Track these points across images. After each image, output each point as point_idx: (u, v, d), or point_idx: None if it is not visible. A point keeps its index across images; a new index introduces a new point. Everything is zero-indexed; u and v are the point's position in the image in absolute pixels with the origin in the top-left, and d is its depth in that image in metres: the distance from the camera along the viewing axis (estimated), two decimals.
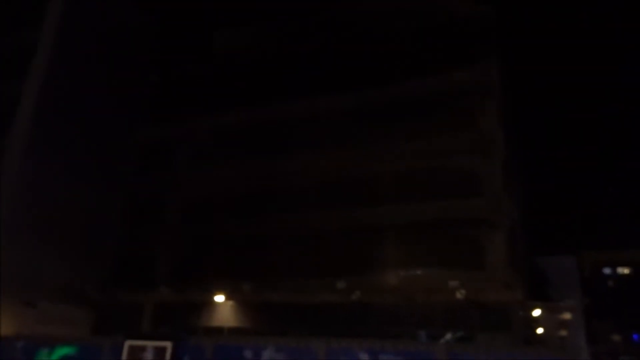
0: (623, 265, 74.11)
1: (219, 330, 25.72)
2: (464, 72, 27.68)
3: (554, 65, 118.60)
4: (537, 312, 44.36)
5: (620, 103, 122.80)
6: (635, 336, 64.48)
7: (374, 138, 28.95)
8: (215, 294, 28.44)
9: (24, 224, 27.58)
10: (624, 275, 73.66)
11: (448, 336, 15.34)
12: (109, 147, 33.38)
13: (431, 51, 29.07)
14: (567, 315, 61.14)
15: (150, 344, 9.19)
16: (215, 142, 33.53)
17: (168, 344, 8.97)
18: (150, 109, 36.27)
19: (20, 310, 25.24)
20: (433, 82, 28.17)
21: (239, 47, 35.62)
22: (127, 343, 9.17)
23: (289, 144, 30.95)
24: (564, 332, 57.84)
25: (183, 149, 34.64)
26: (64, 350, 11.10)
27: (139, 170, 34.44)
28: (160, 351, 9.00)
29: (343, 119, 29.93)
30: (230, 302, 28.64)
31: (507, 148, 27.24)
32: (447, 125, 27.36)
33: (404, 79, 28.93)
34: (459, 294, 23.17)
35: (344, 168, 28.86)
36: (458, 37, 28.82)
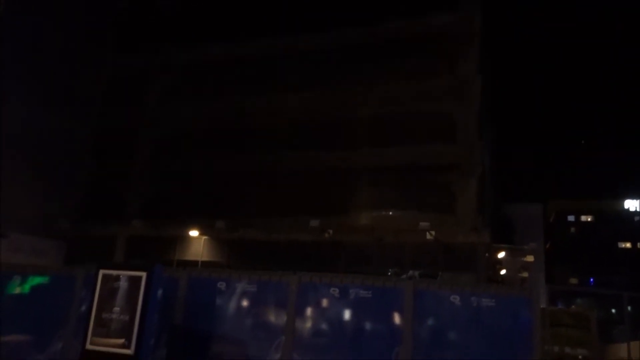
0: (587, 213, 76.91)
1: (193, 264, 26.10)
2: (447, 16, 27.30)
3: (536, 18, 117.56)
4: (501, 255, 46.09)
5: (596, 58, 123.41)
6: (591, 280, 67.77)
7: (349, 80, 28.73)
8: (188, 229, 28.68)
9: None
10: (586, 223, 76.58)
11: (412, 272, 15.97)
12: (77, 79, 32.21)
13: None
14: (529, 258, 63.70)
15: (124, 273, 9.27)
16: (188, 76, 32.77)
17: (143, 274, 9.07)
18: (119, 39, 35.00)
19: None
20: (414, 25, 27.76)
21: None
22: (101, 272, 9.22)
23: (265, 82, 30.47)
24: (525, 274, 60.45)
25: (154, 82, 33.80)
26: (36, 280, 11.11)
27: (109, 103, 33.60)
28: (134, 281, 9.09)
29: (319, 59, 29.48)
30: (204, 237, 28.96)
31: (483, 95, 27.38)
32: (424, 70, 27.25)
33: (384, 20, 28.41)
34: (429, 235, 23.88)
35: (319, 109, 28.70)
36: None
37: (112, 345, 8.92)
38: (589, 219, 76.60)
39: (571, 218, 77.28)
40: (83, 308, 10.35)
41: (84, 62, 32.66)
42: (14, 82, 28.46)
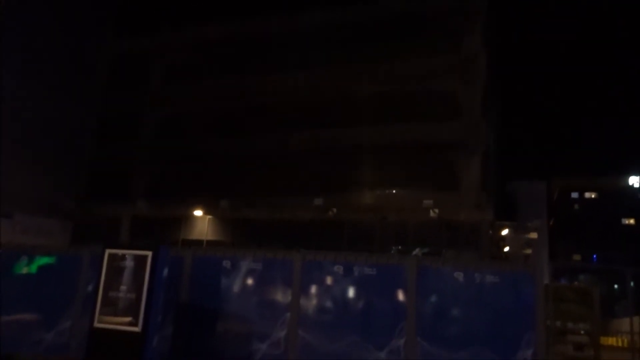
0: (591, 190, 76.74)
1: (198, 243, 26.29)
2: None
3: None
4: (505, 232, 46.24)
5: (601, 34, 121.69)
6: (594, 257, 67.94)
7: (353, 58, 28.46)
8: (192, 209, 28.79)
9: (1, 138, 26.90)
10: (590, 200, 76.44)
11: (417, 250, 16.05)
12: (80, 62, 32.05)
13: None
14: (533, 235, 63.91)
15: (130, 252, 9.35)
16: (190, 57, 32.54)
17: (148, 253, 9.14)
18: (120, 21, 34.66)
19: None
20: (418, 2, 27.41)
21: None
22: (107, 252, 9.30)
23: (268, 61, 30.23)
24: (528, 251, 60.73)
25: (156, 63, 33.59)
26: (43, 260, 11.23)
27: (112, 84, 33.49)
28: (140, 260, 9.18)
29: (323, 37, 29.17)
30: (208, 217, 29.09)
31: (488, 72, 27.13)
32: (428, 47, 26.97)
33: None
34: (432, 213, 23.92)
35: (322, 88, 28.52)
36: None
37: (119, 323, 9.05)
38: (593, 196, 76.45)
39: (575, 195, 77.12)
40: (90, 287, 10.47)
41: (85, 45, 32.47)
42: (17, 65, 28.36)
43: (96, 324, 9.17)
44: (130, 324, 8.98)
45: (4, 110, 26.50)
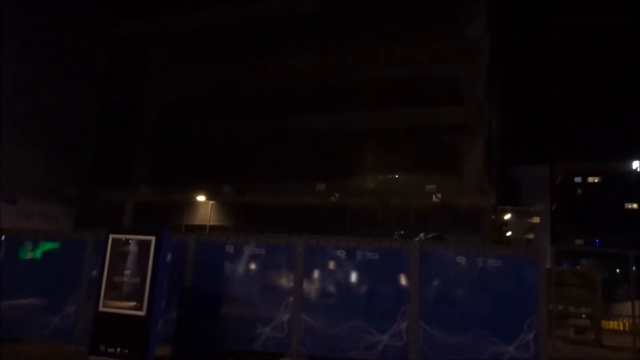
0: (594, 175, 76.52)
1: (201, 228, 26.38)
2: None
3: None
4: (507, 216, 46.28)
5: (605, 20, 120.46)
6: (597, 241, 67.94)
7: (355, 42, 28.25)
8: (195, 195, 28.84)
9: (3, 124, 26.92)
10: (593, 184, 76.24)
11: (421, 235, 16.07)
12: (80, 48, 31.89)
13: None
14: (535, 220, 64.01)
15: (134, 237, 9.38)
16: (190, 42, 32.32)
17: (152, 238, 9.17)
18: (119, 6, 34.38)
19: (1, 206, 25.39)
20: None
21: None
22: (111, 237, 9.33)
23: (269, 47, 30.03)
24: (530, 235, 60.84)
25: (156, 49, 33.41)
26: (47, 246, 11.28)
27: (113, 70, 33.38)
28: (144, 245, 9.20)
29: (325, 22, 28.93)
30: (211, 202, 29.15)
31: (491, 56, 26.93)
32: (431, 31, 26.75)
33: None
34: (435, 198, 23.90)
35: (324, 72, 28.36)
36: None
37: (124, 307, 9.11)
38: (596, 180, 76.23)
39: (578, 179, 76.91)
40: (94, 272, 10.54)
41: (86, 31, 32.31)
42: (18, 51, 28.26)
43: (101, 308, 9.23)
44: (135, 308, 9.04)
45: (7, 97, 26.47)
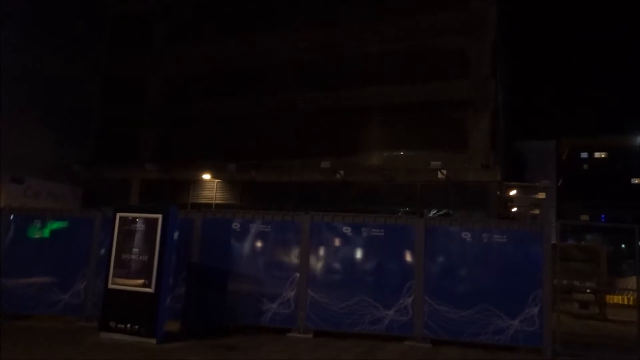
0: (600, 150, 75.97)
1: (207, 207, 26.50)
2: None
3: None
4: (513, 192, 46.15)
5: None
6: (602, 217, 67.80)
7: (358, 15, 27.88)
8: (201, 173, 28.91)
9: (9, 103, 26.92)
10: (599, 159, 75.76)
11: (433, 212, 16.09)
12: (83, 25, 31.65)
13: None
14: (541, 195, 63.81)
15: (141, 215, 9.46)
16: (195, 17, 32.04)
17: (159, 216, 9.25)
18: None
19: (8, 186, 25.57)
20: None
21: None
22: (118, 215, 9.41)
23: (274, 21, 29.71)
24: (536, 211, 60.73)
25: (159, 25, 33.13)
26: (56, 224, 11.39)
27: (116, 47, 33.23)
28: (151, 222, 9.29)
29: None
30: (217, 180, 29.22)
31: (498, 29, 26.53)
32: (437, 4, 26.34)
33: None
34: (441, 174, 23.83)
35: (329, 47, 28.08)
36: None
37: (133, 285, 9.24)
38: (602, 156, 75.71)
39: (584, 155, 76.42)
40: (102, 250, 10.66)
41: (89, 6, 32.05)
42: (21, 27, 28.10)
43: (110, 286, 9.38)
44: (143, 285, 9.17)
45: (11, 76, 26.41)
